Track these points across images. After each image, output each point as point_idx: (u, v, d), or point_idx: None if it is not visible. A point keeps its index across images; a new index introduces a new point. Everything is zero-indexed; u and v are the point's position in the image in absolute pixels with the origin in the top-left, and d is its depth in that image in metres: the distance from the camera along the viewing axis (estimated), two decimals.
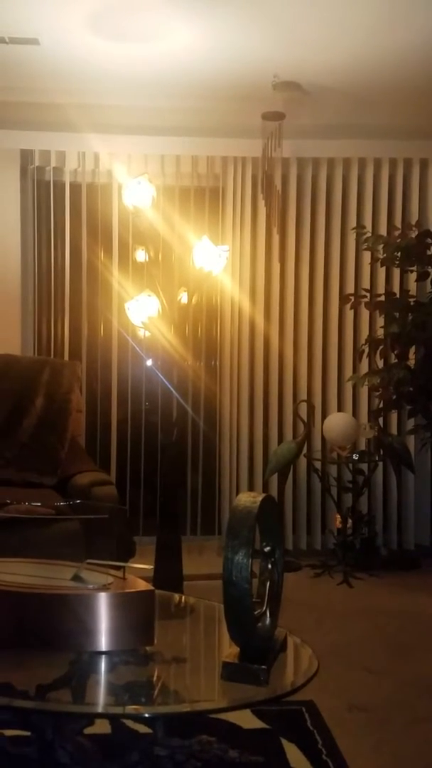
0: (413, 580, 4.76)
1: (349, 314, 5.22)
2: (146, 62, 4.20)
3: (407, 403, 4.89)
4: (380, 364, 5.01)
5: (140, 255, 4.79)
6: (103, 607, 2.26)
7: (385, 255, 4.86)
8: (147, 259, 4.50)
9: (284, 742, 2.76)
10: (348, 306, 5.07)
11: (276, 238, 5.15)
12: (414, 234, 4.86)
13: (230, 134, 4.98)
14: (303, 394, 5.20)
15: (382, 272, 5.21)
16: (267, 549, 2.40)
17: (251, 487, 5.16)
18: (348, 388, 5.26)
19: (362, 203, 5.23)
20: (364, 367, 5.08)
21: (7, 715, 2.35)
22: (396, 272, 5.17)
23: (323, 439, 5.05)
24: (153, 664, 2.37)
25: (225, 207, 5.18)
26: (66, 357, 5.10)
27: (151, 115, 4.87)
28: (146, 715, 2.31)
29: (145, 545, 4.19)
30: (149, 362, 5.07)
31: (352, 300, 5.02)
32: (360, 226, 5.03)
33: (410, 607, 4.28)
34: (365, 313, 5.17)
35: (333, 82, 4.41)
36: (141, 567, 2.60)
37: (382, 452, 5.04)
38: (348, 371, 5.24)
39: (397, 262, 4.90)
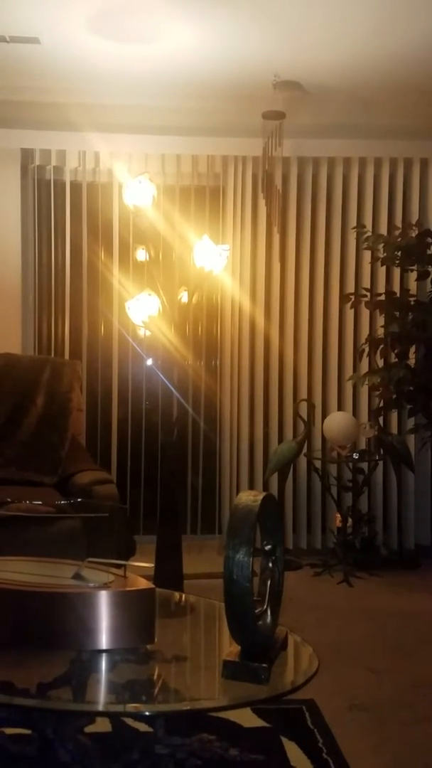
0: (413, 579, 4.77)
1: (350, 313, 5.22)
2: (147, 62, 4.20)
3: (407, 403, 4.89)
4: (380, 363, 5.01)
5: (141, 254, 4.78)
6: (103, 605, 2.26)
7: (385, 254, 4.86)
8: (147, 259, 4.50)
9: (285, 740, 2.76)
10: (348, 305, 5.07)
11: (276, 237, 5.15)
12: (414, 233, 4.86)
13: (231, 133, 4.98)
14: (303, 394, 5.20)
15: (382, 271, 5.21)
16: (268, 548, 2.40)
17: (251, 486, 5.16)
18: (348, 387, 5.26)
19: (363, 202, 5.23)
20: (364, 366, 5.08)
21: (8, 713, 2.35)
22: (396, 271, 5.17)
23: (323, 438, 5.05)
24: (153, 663, 2.38)
25: (225, 206, 5.18)
26: (66, 356, 5.10)
27: (152, 114, 4.87)
28: (147, 714, 2.32)
29: (145, 544, 4.20)
30: (150, 361, 5.07)
31: (353, 299, 5.02)
32: (360, 225, 5.03)
33: (410, 606, 4.28)
34: (365, 313, 5.17)
35: (334, 81, 4.42)
36: (142, 566, 2.60)
37: (382, 451, 5.05)
38: (348, 370, 5.24)
39: (397, 262, 4.90)
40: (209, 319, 5.25)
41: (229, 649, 2.27)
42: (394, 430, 5.21)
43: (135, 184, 4.11)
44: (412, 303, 4.93)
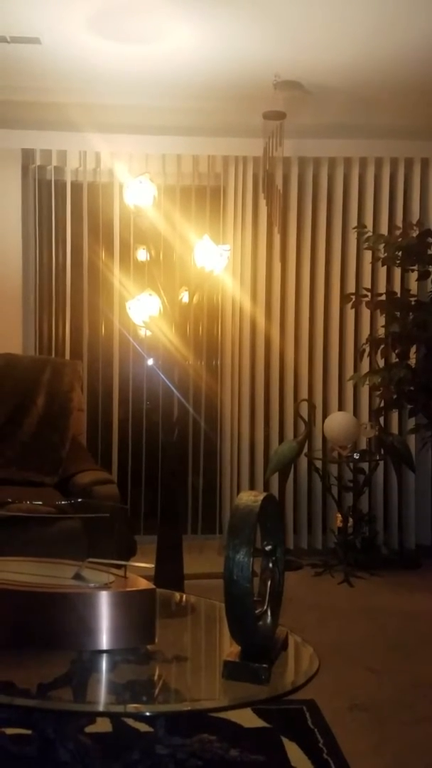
0: (414, 579, 4.76)
1: (350, 313, 5.22)
2: (147, 62, 4.20)
3: (408, 403, 4.89)
4: (381, 363, 5.01)
5: (141, 254, 4.79)
6: (104, 605, 2.26)
7: (386, 254, 4.86)
8: (148, 259, 4.50)
9: (285, 741, 2.76)
10: (349, 305, 5.07)
11: (277, 237, 5.15)
12: (415, 233, 4.86)
13: (231, 133, 4.98)
14: (304, 394, 5.20)
15: (383, 271, 5.21)
16: (268, 548, 2.40)
17: (252, 487, 5.16)
18: (349, 387, 5.26)
19: (363, 202, 5.23)
20: (365, 366, 5.08)
21: (9, 713, 2.35)
22: (397, 271, 5.17)
23: (324, 438, 5.05)
24: (154, 663, 2.38)
25: (226, 206, 5.18)
26: (67, 356, 5.10)
27: (153, 114, 4.87)
28: (147, 714, 2.32)
29: (146, 544, 4.20)
30: (150, 361, 5.07)
31: (353, 299, 5.02)
32: (361, 225, 5.02)
33: (411, 606, 4.28)
34: (366, 313, 5.17)
35: (334, 81, 4.42)
36: (142, 566, 2.60)
37: (383, 451, 5.05)
38: (349, 370, 5.24)
39: (398, 262, 4.90)
40: (210, 319, 5.25)
41: (230, 649, 2.27)
42: (395, 430, 5.21)
43: (136, 184, 4.11)
44: (413, 303, 4.93)
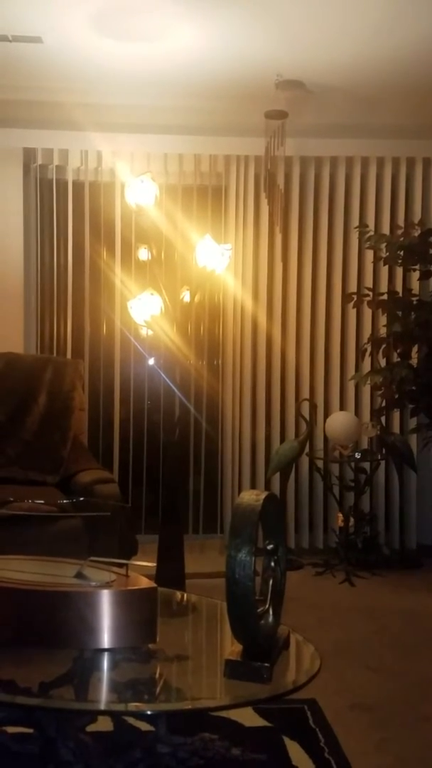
0: (415, 579, 4.76)
1: (352, 313, 5.22)
2: (149, 61, 4.20)
3: (410, 402, 4.89)
4: (383, 362, 5.00)
5: (143, 253, 4.80)
6: (105, 604, 2.26)
7: (387, 254, 4.86)
8: (150, 258, 4.50)
9: (286, 740, 2.76)
10: (350, 305, 5.08)
11: (279, 236, 5.15)
12: (417, 233, 4.86)
13: (233, 133, 4.98)
14: (305, 393, 5.20)
15: (384, 271, 5.21)
16: (270, 547, 2.40)
17: (253, 486, 5.17)
18: (350, 387, 5.26)
19: (365, 202, 5.23)
20: (366, 365, 5.08)
21: (10, 712, 2.35)
22: (399, 271, 5.17)
23: (325, 437, 5.05)
24: (155, 662, 2.38)
25: (228, 206, 5.18)
26: (69, 355, 5.10)
27: (154, 113, 4.87)
28: (148, 713, 2.32)
29: (147, 543, 4.20)
30: (151, 361, 5.07)
31: (355, 299, 5.02)
32: (363, 224, 5.02)
33: (412, 606, 4.28)
34: (368, 312, 5.17)
35: (336, 80, 4.41)
36: (143, 565, 2.60)
37: (384, 451, 5.05)
38: (350, 370, 5.24)
39: (399, 261, 4.90)
40: (211, 319, 5.25)
41: (231, 648, 2.27)
42: (397, 429, 5.21)
43: (137, 183, 4.11)
44: (415, 302, 4.93)
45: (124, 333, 5.12)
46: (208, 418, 5.26)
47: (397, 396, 4.85)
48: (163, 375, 4.37)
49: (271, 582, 2.38)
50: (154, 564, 3.83)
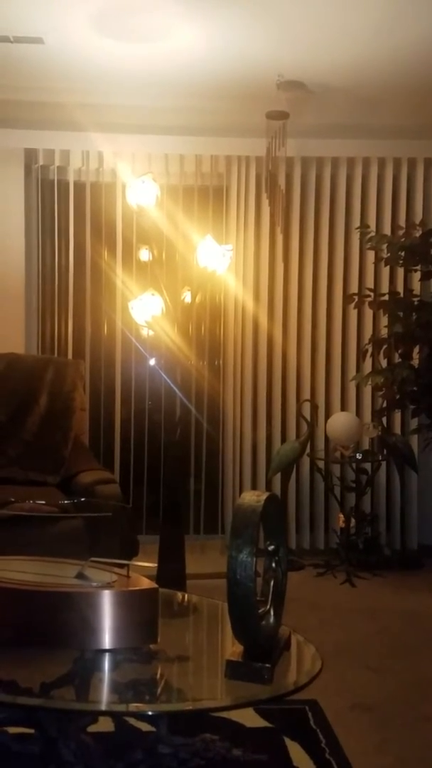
0: (416, 579, 4.76)
1: (353, 314, 5.22)
2: (150, 61, 4.20)
3: (411, 403, 4.89)
4: (384, 363, 5.00)
5: (144, 254, 4.80)
6: (106, 605, 2.26)
7: (389, 254, 4.85)
8: (151, 258, 4.51)
9: (287, 740, 2.76)
10: (352, 305, 5.07)
11: (280, 237, 5.15)
12: (418, 233, 4.85)
13: (234, 133, 4.98)
14: (306, 394, 5.20)
15: (386, 272, 5.21)
16: (271, 548, 2.40)
17: (254, 487, 5.16)
18: (351, 387, 5.26)
19: (366, 202, 5.23)
20: (367, 366, 5.07)
21: (11, 712, 2.35)
22: (400, 272, 5.17)
23: (326, 438, 5.05)
24: (156, 662, 2.38)
25: (229, 206, 5.18)
26: (69, 356, 5.10)
27: (155, 114, 4.87)
28: (150, 713, 2.32)
29: (148, 544, 4.20)
30: (152, 361, 5.07)
31: (356, 299, 5.01)
32: (364, 225, 5.02)
33: (413, 606, 4.28)
34: (369, 313, 5.17)
35: (337, 81, 4.41)
36: (145, 565, 2.60)
37: (385, 452, 5.04)
38: (351, 371, 5.24)
39: (401, 262, 4.90)
40: (212, 319, 5.25)
41: (232, 649, 2.26)
42: (398, 430, 5.21)
43: (138, 183, 4.11)
44: (416, 303, 4.92)
45: (125, 333, 5.12)
46: (209, 418, 5.26)
47: (398, 397, 4.85)
48: (164, 375, 4.37)
49: (272, 583, 2.38)
50: (155, 564, 3.83)
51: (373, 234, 4.91)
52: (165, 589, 2.61)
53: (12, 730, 2.51)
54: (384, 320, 5.07)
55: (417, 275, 5.03)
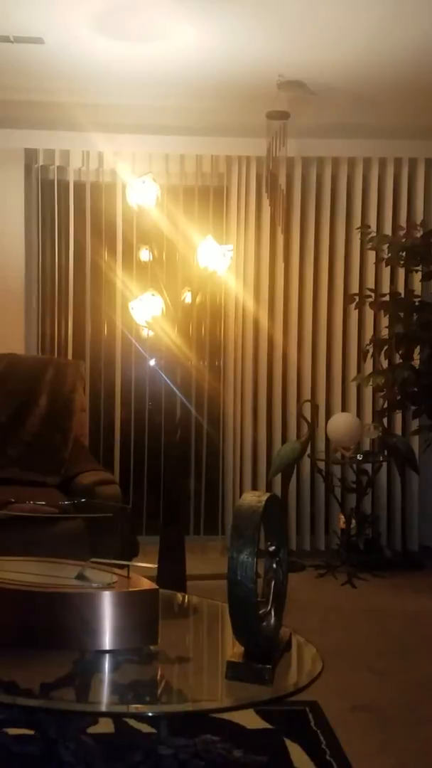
0: (417, 580, 4.75)
1: (354, 314, 5.21)
2: (151, 61, 4.19)
3: (412, 404, 4.89)
4: (385, 364, 5.00)
5: (144, 254, 4.78)
6: (107, 605, 2.25)
7: (389, 255, 4.85)
8: (151, 259, 4.49)
9: (288, 742, 2.75)
10: (352, 306, 5.07)
11: (280, 237, 5.14)
12: (419, 234, 4.85)
13: (235, 133, 4.98)
14: (307, 394, 5.19)
15: (386, 272, 5.20)
16: (271, 549, 2.39)
17: (255, 487, 5.16)
18: (352, 388, 5.25)
19: (367, 203, 5.23)
20: (368, 367, 5.07)
21: (11, 713, 2.34)
22: (401, 272, 5.17)
23: (327, 439, 5.04)
24: (157, 663, 2.37)
25: (229, 206, 5.17)
26: (70, 356, 5.10)
27: (156, 114, 4.87)
28: (150, 715, 2.32)
29: (148, 545, 4.19)
30: (153, 362, 5.07)
31: (357, 300, 5.01)
32: (365, 225, 5.02)
33: (414, 607, 4.27)
34: (370, 313, 5.16)
35: (338, 81, 4.41)
36: (145, 566, 2.60)
37: (386, 453, 5.04)
38: (352, 371, 5.23)
39: (401, 262, 4.90)
40: (212, 320, 5.24)
41: (233, 650, 2.26)
42: (399, 431, 5.20)
43: (139, 184, 4.10)
44: (417, 303, 4.92)
45: (125, 334, 5.12)
46: (209, 419, 5.26)
47: (399, 397, 4.84)
48: (164, 376, 4.37)
49: (272, 584, 2.37)
50: (156, 565, 3.83)
51: (373, 234, 4.91)
52: (165, 590, 2.61)
53: (12, 731, 2.50)
54: (385, 321, 5.07)
55: (418, 276, 5.03)
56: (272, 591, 2.36)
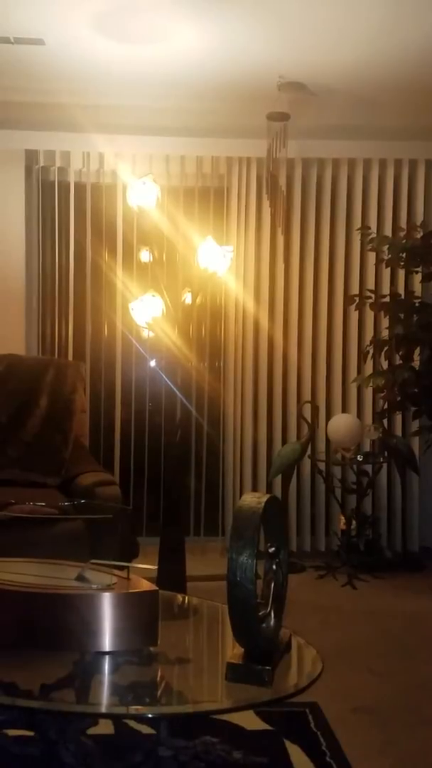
0: (417, 581, 4.75)
1: (354, 315, 5.21)
2: (151, 62, 4.20)
3: (412, 405, 4.89)
4: (385, 365, 4.99)
5: (144, 255, 4.78)
6: (107, 607, 2.25)
7: (390, 256, 4.85)
8: (151, 260, 4.49)
9: (288, 743, 2.75)
10: (353, 307, 5.07)
11: (280, 238, 5.14)
12: (419, 235, 4.85)
13: (235, 134, 4.98)
14: (307, 395, 5.19)
15: (387, 273, 5.20)
16: (271, 550, 2.39)
17: (255, 488, 5.16)
18: (352, 389, 5.25)
19: (367, 204, 5.22)
20: (368, 368, 5.07)
21: (11, 714, 2.34)
22: (401, 273, 5.17)
23: (327, 440, 5.04)
24: (157, 665, 2.37)
25: (229, 207, 5.17)
26: (70, 357, 5.10)
27: (156, 115, 4.87)
28: (150, 716, 2.31)
29: (148, 546, 4.18)
30: (153, 363, 5.07)
31: (357, 301, 5.01)
32: (365, 226, 5.02)
33: (414, 608, 4.27)
34: (370, 314, 5.16)
35: (338, 82, 4.41)
36: (145, 567, 2.60)
37: (386, 453, 5.04)
38: (352, 372, 5.23)
39: (402, 263, 4.90)
40: (213, 321, 5.24)
41: (233, 651, 2.26)
42: (399, 432, 5.20)
43: (139, 185, 4.10)
44: (417, 305, 4.92)
45: (125, 335, 5.11)
46: (209, 420, 5.25)
47: (399, 398, 4.84)
48: (164, 377, 4.37)
49: (272, 585, 2.37)
50: (155, 566, 3.83)
51: (374, 235, 4.91)
52: (165, 591, 2.60)
53: (11, 732, 2.50)
54: (385, 322, 5.07)
55: (418, 277, 5.03)
56: (272, 592, 2.36)
